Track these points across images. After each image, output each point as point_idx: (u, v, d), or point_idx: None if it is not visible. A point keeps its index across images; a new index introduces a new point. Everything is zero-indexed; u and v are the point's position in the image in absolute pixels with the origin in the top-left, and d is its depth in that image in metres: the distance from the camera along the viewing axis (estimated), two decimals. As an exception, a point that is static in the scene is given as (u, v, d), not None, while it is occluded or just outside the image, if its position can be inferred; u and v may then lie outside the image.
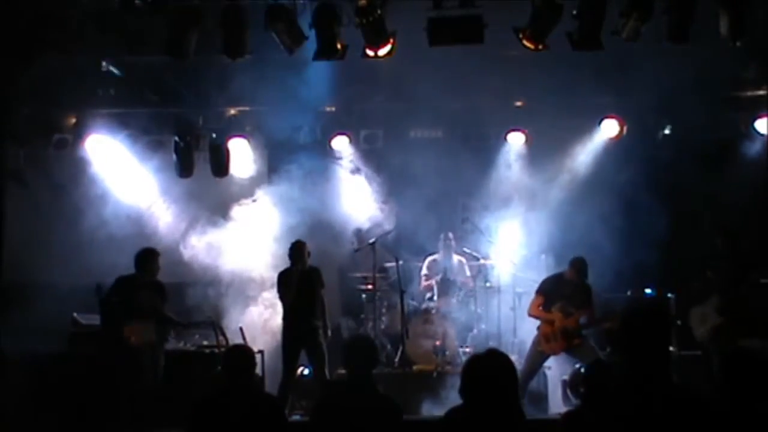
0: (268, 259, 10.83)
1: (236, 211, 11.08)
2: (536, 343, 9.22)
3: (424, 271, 10.91)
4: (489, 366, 4.12)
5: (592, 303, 9.16)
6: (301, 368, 9.75)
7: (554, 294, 9.17)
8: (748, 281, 8.76)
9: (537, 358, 9.15)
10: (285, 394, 8.97)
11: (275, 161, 11.09)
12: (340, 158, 11.20)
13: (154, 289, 9.02)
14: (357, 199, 11.18)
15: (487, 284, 10.66)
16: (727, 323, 8.48)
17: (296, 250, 9.26)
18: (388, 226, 10.83)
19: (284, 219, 10.87)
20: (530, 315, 9.43)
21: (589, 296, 9.17)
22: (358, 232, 11.07)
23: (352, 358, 5.25)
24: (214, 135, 10.99)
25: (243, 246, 10.95)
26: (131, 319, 8.73)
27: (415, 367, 9.95)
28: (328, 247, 10.85)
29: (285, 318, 9.32)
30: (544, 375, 9.51)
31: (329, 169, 11.13)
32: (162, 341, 9.06)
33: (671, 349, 6.73)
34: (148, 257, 9.01)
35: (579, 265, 9.13)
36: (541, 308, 9.21)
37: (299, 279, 9.18)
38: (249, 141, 11.03)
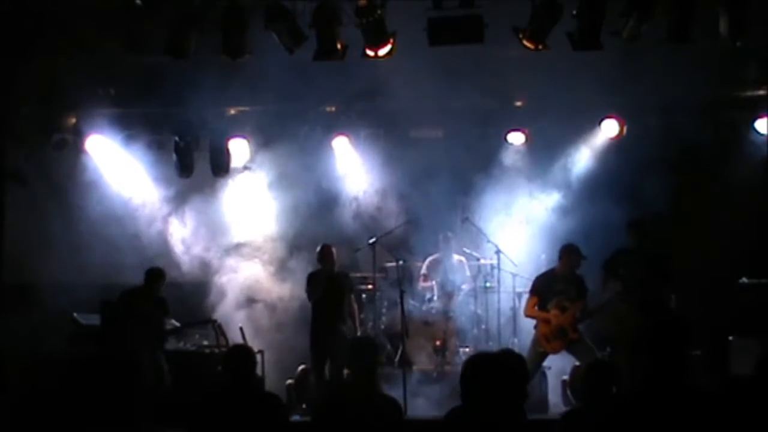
0: (269, 259, 10.88)
1: (237, 210, 11.12)
2: (536, 343, 9.22)
3: (424, 271, 10.90)
4: (501, 366, 4.03)
5: (586, 294, 9.17)
6: (302, 366, 9.76)
7: (548, 292, 9.21)
8: (664, 283, 8.84)
9: (537, 358, 9.15)
10: (320, 393, 9.06)
11: (274, 161, 11.07)
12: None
13: (155, 301, 9.21)
14: (359, 198, 11.18)
15: (487, 284, 10.64)
16: (643, 324, 8.47)
17: (323, 253, 9.65)
18: (393, 222, 10.87)
19: (286, 220, 10.91)
20: (527, 316, 9.50)
21: (582, 287, 9.18)
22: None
23: (355, 358, 5.25)
24: (214, 135, 10.98)
25: (243, 245, 10.98)
26: (129, 323, 8.84)
27: (415, 367, 9.95)
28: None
29: (313, 320, 9.57)
30: (544, 375, 9.51)
31: (329, 168, 11.11)
32: (158, 343, 9.11)
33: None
34: (155, 276, 9.32)
35: (568, 253, 9.16)
36: (536, 308, 9.24)
37: (327, 281, 9.46)
38: (249, 141, 11.02)
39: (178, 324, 9.94)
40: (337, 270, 9.76)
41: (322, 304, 9.50)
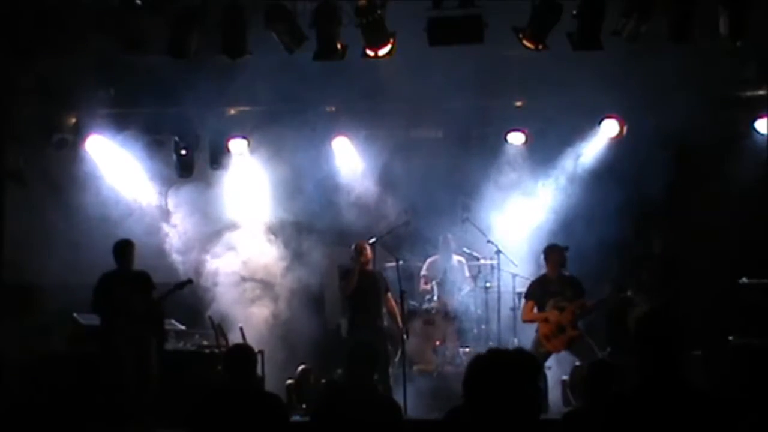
0: (269, 260, 10.89)
1: (236, 211, 11.13)
2: (538, 344, 9.25)
3: (424, 271, 10.91)
4: (514, 366, 3.87)
5: (583, 292, 9.20)
6: (302, 366, 9.76)
7: (543, 295, 9.30)
8: (677, 284, 8.91)
9: (539, 358, 9.15)
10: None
11: (274, 161, 11.07)
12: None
13: (135, 281, 9.03)
14: (359, 198, 11.18)
15: (487, 284, 10.64)
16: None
17: (355, 250, 9.66)
18: (393, 222, 10.87)
19: (285, 220, 10.91)
20: (524, 320, 9.57)
21: (578, 286, 9.21)
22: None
23: (354, 363, 5.24)
24: (214, 135, 10.97)
25: (244, 245, 10.98)
26: (113, 315, 8.78)
27: (415, 367, 9.95)
28: (328, 248, 10.90)
29: (350, 317, 9.64)
30: (544, 375, 9.50)
31: (330, 170, 11.11)
32: (149, 335, 9.02)
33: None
34: (119, 251, 9.11)
35: (550, 256, 9.23)
36: (534, 311, 9.28)
37: (359, 277, 9.50)
38: (249, 141, 11.02)
39: (182, 326, 9.94)
40: (372, 268, 9.76)
41: (358, 301, 9.57)
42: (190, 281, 9.56)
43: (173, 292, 9.29)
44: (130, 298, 8.89)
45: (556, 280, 9.28)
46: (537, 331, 9.31)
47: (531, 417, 3.76)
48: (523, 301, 9.68)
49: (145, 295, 9.04)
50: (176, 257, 10.85)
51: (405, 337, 9.73)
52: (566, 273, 9.38)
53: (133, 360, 8.76)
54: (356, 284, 9.54)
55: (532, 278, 9.76)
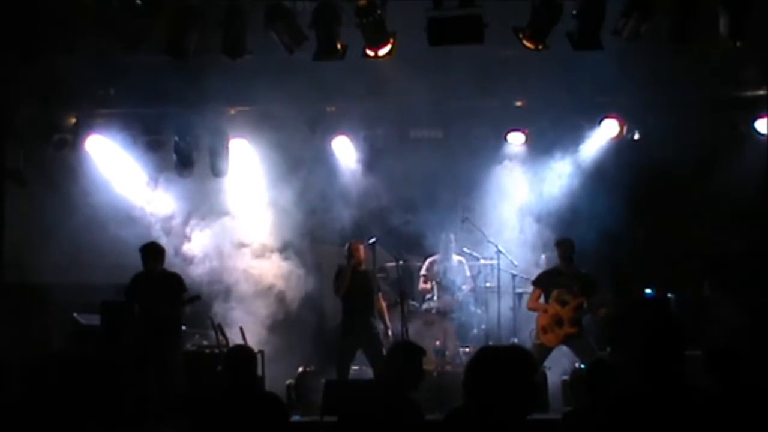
0: (268, 260, 10.89)
1: (236, 210, 11.13)
2: (534, 337, 9.28)
3: (424, 272, 10.90)
4: (511, 361, 3.78)
5: (594, 290, 9.18)
6: (302, 366, 9.76)
7: (550, 284, 9.30)
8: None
9: (536, 353, 9.13)
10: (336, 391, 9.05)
11: (274, 161, 11.07)
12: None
13: (161, 283, 9.02)
14: (359, 198, 11.18)
15: (487, 284, 10.65)
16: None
17: (348, 250, 9.78)
18: (393, 222, 10.87)
19: (285, 220, 10.91)
20: (529, 308, 9.58)
21: (589, 284, 9.20)
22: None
23: (391, 360, 5.18)
24: (214, 135, 10.98)
25: (243, 245, 10.98)
26: (132, 316, 8.77)
27: (415, 367, 9.93)
28: (328, 248, 10.89)
29: (343, 315, 9.71)
30: (544, 375, 9.51)
31: (330, 170, 11.11)
32: (165, 338, 8.98)
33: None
34: (145, 254, 9.13)
35: (557, 246, 9.26)
36: (539, 300, 9.31)
37: (353, 276, 9.58)
38: (249, 141, 11.02)
39: (182, 326, 9.93)
40: (365, 268, 9.80)
41: (350, 300, 9.63)
42: (198, 297, 9.56)
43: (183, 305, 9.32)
44: (152, 301, 8.87)
45: (567, 274, 9.27)
46: (536, 322, 9.31)
47: (526, 413, 3.76)
48: (527, 295, 9.68)
49: (171, 297, 9.00)
50: (176, 257, 10.84)
51: (405, 336, 9.72)
52: (582, 270, 9.35)
53: (146, 362, 8.74)
54: (349, 284, 9.59)
55: (532, 278, 9.75)
